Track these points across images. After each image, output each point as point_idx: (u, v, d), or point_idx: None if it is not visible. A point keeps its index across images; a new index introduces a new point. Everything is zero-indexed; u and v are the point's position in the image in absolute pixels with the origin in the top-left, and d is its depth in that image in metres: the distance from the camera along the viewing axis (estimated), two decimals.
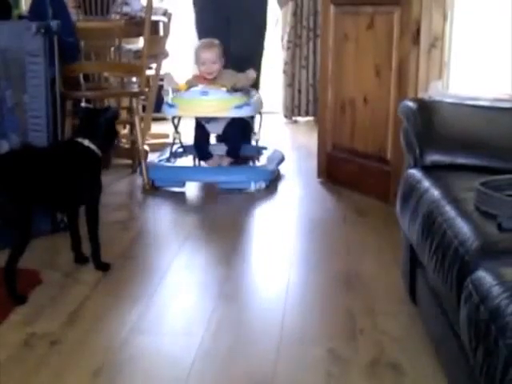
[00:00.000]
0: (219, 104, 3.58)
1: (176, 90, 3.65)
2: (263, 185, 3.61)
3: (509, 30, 2.92)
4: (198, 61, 3.71)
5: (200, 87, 3.64)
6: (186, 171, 3.76)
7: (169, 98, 3.65)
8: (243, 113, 3.62)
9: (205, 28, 4.07)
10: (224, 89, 3.59)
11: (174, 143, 3.89)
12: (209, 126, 3.81)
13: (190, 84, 3.67)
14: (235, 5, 4.03)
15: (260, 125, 3.86)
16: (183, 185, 3.64)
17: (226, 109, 3.57)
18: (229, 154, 3.80)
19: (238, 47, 4.01)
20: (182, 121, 3.86)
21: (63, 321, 2.12)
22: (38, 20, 2.90)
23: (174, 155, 3.92)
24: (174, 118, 3.80)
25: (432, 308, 1.81)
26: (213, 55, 3.65)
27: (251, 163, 3.85)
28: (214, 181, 3.65)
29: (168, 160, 3.83)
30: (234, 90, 3.59)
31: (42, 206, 2.43)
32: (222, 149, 3.88)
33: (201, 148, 3.83)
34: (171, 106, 3.63)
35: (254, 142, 3.91)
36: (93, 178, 2.49)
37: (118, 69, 3.93)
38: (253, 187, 3.58)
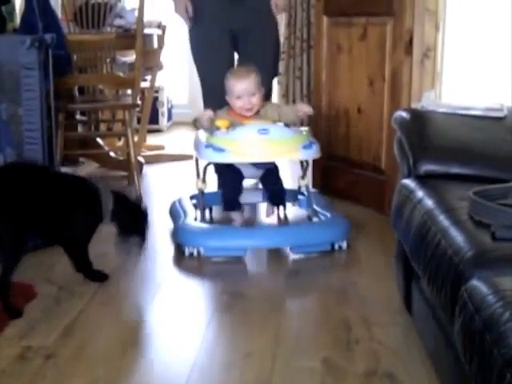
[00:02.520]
0: (285, 145, 2.76)
1: (213, 129, 2.85)
2: (344, 244, 2.87)
3: (502, 40, 2.93)
4: (232, 94, 2.86)
5: (251, 123, 2.82)
6: (248, 234, 2.85)
7: (211, 138, 2.82)
8: (312, 154, 2.86)
9: (204, 43, 3.45)
10: (281, 124, 2.87)
11: (201, 195, 3.09)
12: (246, 170, 2.96)
13: (232, 121, 2.83)
14: (243, 17, 3.35)
15: (307, 166, 3.10)
16: (244, 252, 2.78)
17: (294, 150, 2.77)
18: (274, 201, 3.06)
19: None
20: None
21: (59, 334, 2.11)
22: (29, 33, 2.92)
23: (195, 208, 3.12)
24: (208, 164, 3.03)
25: (427, 318, 1.82)
26: (251, 85, 2.83)
27: (310, 216, 3.09)
28: (287, 245, 2.82)
29: (203, 219, 3.02)
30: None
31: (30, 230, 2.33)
32: (254, 196, 3.24)
33: (232, 197, 2.97)
34: (219, 149, 2.75)
35: (303, 188, 3.15)
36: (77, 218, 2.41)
37: (111, 81, 3.94)
38: (335, 246, 2.85)
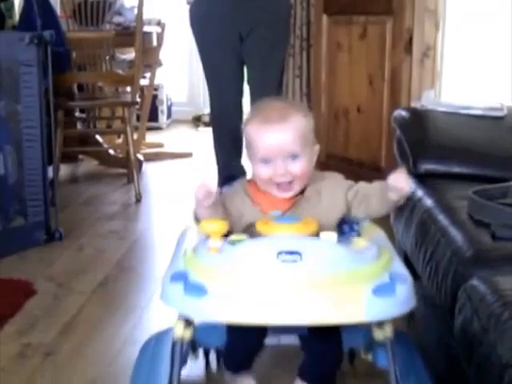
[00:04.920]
0: (334, 289, 1.17)
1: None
2: None
3: (502, 39, 2.94)
4: (253, 153, 1.46)
5: (280, 221, 1.35)
6: None
7: (190, 260, 1.30)
8: (395, 309, 1.22)
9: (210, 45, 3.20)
10: (332, 236, 1.28)
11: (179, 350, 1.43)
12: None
13: (248, 228, 1.41)
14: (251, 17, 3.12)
15: None
16: None
17: (353, 302, 1.16)
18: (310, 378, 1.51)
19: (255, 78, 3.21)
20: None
21: (58, 331, 2.11)
22: (28, 30, 2.91)
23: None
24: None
25: (427, 317, 1.82)
26: (289, 139, 1.42)
27: None
28: None
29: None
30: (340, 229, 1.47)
31: None
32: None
33: (241, 356, 1.57)
34: (193, 289, 1.22)
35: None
36: None
37: (110, 79, 3.93)
38: None
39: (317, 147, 1.49)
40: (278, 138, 1.40)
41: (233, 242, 1.28)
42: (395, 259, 1.28)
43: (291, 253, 1.20)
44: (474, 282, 1.33)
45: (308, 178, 1.43)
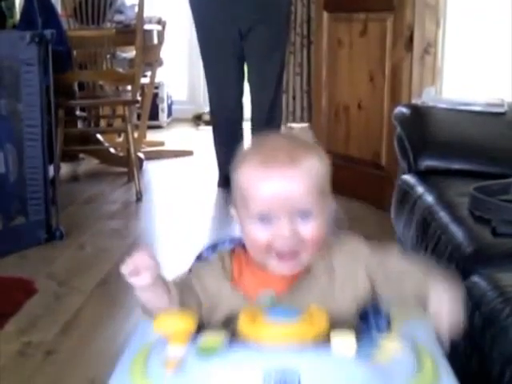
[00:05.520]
0: None
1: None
2: None
3: (503, 35, 2.93)
4: (249, 207, 0.98)
5: (278, 310, 0.92)
6: None
7: None
8: None
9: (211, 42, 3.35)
10: (349, 344, 0.84)
11: None
12: None
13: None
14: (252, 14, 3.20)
15: None
16: None
17: None
18: None
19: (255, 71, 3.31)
20: None
21: (59, 330, 2.11)
22: (29, 29, 2.91)
23: None
24: None
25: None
26: (298, 186, 0.96)
27: None
28: None
29: None
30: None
31: None
32: None
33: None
34: None
35: None
36: None
37: (111, 77, 3.93)
38: None
39: (333, 203, 1.03)
40: (285, 188, 0.95)
41: (203, 352, 0.84)
42: (443, 371, 0.88)
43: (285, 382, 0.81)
44: (475, 278, 1.33)
45: (320, 246, 0.99)
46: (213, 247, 1.13)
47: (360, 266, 1.01)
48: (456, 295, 0.94)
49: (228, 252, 1.05)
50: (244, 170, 0.99)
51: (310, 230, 0.97)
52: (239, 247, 1.05)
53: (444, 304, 0.93)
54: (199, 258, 1.13)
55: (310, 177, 0.96)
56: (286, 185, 0.95)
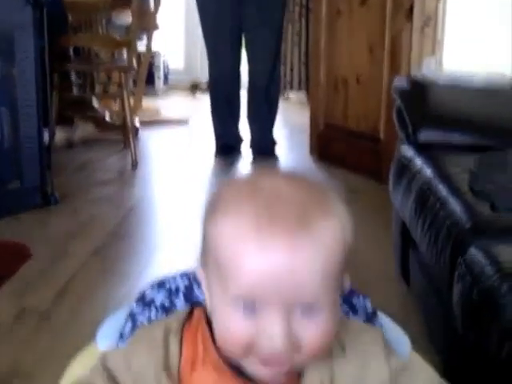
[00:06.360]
0: None
1: None
2: None
3: (503, 7, 2.90)
4: (227, 282, 0.64)
5: None
6: None
7: None
8: None
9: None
10: None
11: None
12: None
13: None
14: None
15: None
16: None
17: None
18: None
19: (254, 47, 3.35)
20: None
21: (53, 295, 2.11)
22: None
23: None
24: None
25: (424, 287, 1.82)
26: (308, 267, 0.62)
27: None
28: None
29: None
30: None
31: None
32: None
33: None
34: None
35: None
36: None
37: (106, 42, 3.88)
38: None
39: (348, 282, 0.70)
40: (286, 268, 0.62)
41: None
42: None
43: None
44: (473, 253, 1.32)
45: (326, 349, 0.68)
46: (158, 286, 0.85)
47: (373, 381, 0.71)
48: None
49: (181, 320, 0.71)
50: (226, 228, 0.64)
51: (313, 331, 0.64)
52: (201, 310, 0.72)
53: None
54: (142, 299, 0.84)
55: (324, 253, 0.63)
56: (288, 263, 0.62)
